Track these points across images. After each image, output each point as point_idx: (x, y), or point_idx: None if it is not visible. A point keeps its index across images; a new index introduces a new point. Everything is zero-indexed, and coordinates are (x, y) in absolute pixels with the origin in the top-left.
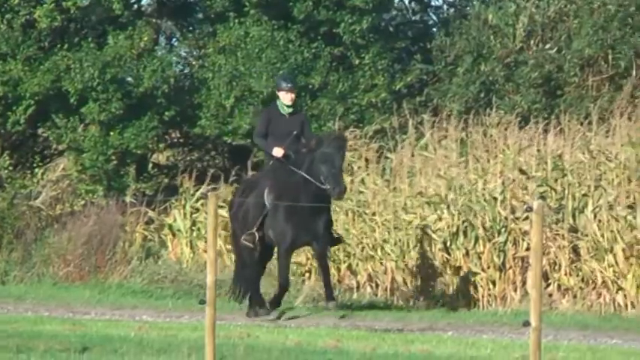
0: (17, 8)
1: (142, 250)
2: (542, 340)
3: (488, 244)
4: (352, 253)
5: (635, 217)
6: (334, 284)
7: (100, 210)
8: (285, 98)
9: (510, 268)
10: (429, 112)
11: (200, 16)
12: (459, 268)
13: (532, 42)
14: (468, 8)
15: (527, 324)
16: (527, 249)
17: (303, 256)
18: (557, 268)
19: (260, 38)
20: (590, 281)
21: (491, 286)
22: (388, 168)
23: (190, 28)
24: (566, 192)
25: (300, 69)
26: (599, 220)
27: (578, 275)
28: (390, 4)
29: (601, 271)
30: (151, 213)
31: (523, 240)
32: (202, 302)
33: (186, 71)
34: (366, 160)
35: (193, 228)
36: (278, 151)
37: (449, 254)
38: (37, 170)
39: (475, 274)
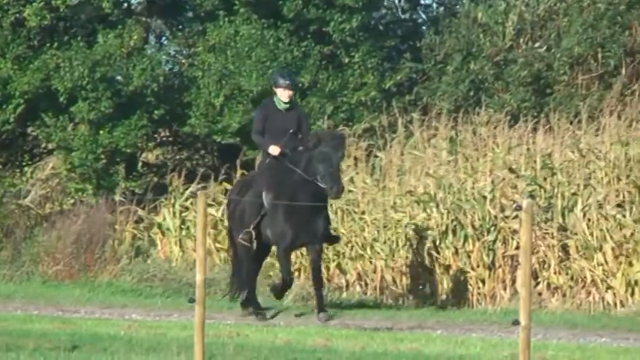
0: (6, 7)
1: (131, 248)
2: (531, 338)
3: (477, 242)
4: (341, 252)
5: (624, 216)
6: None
7: (89, 209)
8: (283, 95)
9: (500, 266)
10: (419, 111)
11: (190, 14)
12: (449, 266)
13: (522, 40)
14: (458, 7)
15: (516, 323)
16: (517, 248)
17: (293, 254)
18: (546, 266)
19: (250, 37)
20: (580, 280)
21: (480, 284)
22: (377, 167)
23: (180, 27)
24: (556, 191)
25: (290, 67)
26: (589, 219)
27: (567, 274)
28: (380, 3)
29: (590, 270)
30: (140, 212)
31: (512, 239)
32: (192, 301)
33: (175, 70)
34: (356, 158)
35: (183, 227)
36: (274, 149)
37: (438, 253)
38: (26, 169)
39: (464, 272)
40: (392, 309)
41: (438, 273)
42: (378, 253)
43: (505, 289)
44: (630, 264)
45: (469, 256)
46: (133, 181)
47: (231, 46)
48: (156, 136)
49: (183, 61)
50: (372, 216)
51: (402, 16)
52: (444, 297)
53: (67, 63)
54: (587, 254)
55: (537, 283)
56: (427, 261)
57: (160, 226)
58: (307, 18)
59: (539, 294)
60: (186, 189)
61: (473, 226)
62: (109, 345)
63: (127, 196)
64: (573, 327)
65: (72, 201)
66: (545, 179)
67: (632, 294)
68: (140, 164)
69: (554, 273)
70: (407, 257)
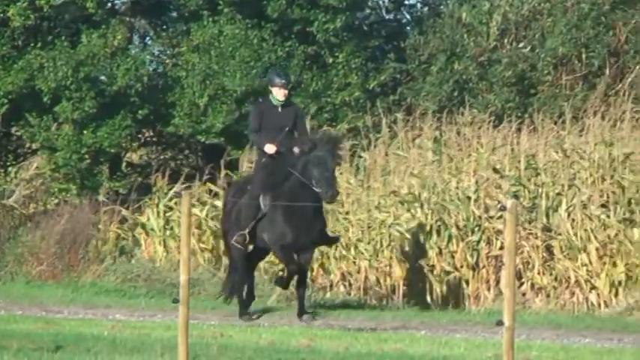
0: None
1: (115, 249)
2: (515, 339)
3: (461, 243)
4: (325, 252)
5: (608, 217)
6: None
7: (73, 209)
8: (279, 94)
9: (484, 267)
10: (403, 111)
11: (174, 14)
12: (433, 267)
13: (506, 40)
14: (442, 7)
15: (500, 323)
16: (501, 248)
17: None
18: (530, 267)
19: (234, 37)
20: (564, 280)
21: (464, 285)
22: (362, 167)
23: (164, 27)
24: (540, 191)
25: (274, 68)
26: (573, 220)
27: (551, 274)
28: (364, 3)
29: (574, 271)
30: (124, 212)
31: (497, 239)
32: (175, 301)
33: (159, 70)
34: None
35: (167, 227)
36: (270, 148)
37: (422, 253)
38: (10, 169)
39: (448, 273)
40: (376, 309)
41: (422, 273)
42: (362, 253)
43: (489, 289)
44: (614, 264)
45: (453, 257)
46: (116, 181)
47: (215, 46)
48: (140, 136)
49: (167, 61)
50: (356, 216)
51: (386, 17)
52: (427, 297)
53: (51, 63)
54: (571, 255)
55: (521, 284)
56: (411, 261)
57: (143, 226)
58: (291, 18)
59: (523, 294)
60: (170, 189)
61: (457, 227)
62: (92, 345)
63: (111, 196)
64: (557, 327)
65: (56, 201)
66: (529, 179)
67: (616, 294)
68: (124, 164)
69: (539, 273)
70: (390, 258)
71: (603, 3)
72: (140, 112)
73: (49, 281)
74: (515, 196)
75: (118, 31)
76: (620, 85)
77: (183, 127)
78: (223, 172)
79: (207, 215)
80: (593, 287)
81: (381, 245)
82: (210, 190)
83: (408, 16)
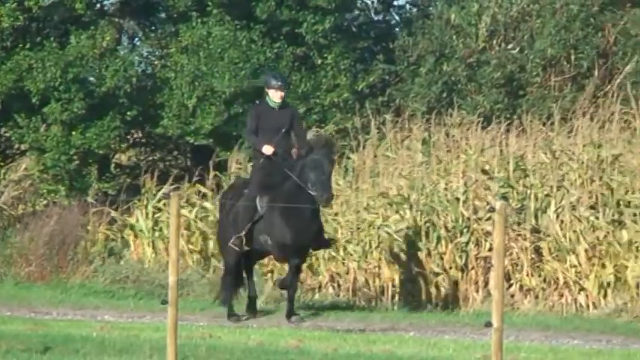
0: None
1: (104, 250)
2: (503, 340)
3: (450, 244)
4: (314, 253)
5: (597, 218)
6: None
7: (62, 210)
8: (275, 96)
9: (472, 268)
10: (392, 112)
11: (163, 15)
12: (422, 268)
13: (495, 42)
14: (431, 8)
15: (489, 324)
16: (490, 249)
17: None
18: (519, 268)
19: (222, 38)
20: (552, 282)
21: (453, 286)
22: (350, 168)
23: (153, 28)
24: (529, 192)
25: (263, 69)
26: (562, 221)
27: (540, 276)
28: (353, 4)
29: (563, 272)
30: (113, 213)
31: (485, 240)
32: (164, 302)
33: (148, 71)
34: None
35: (155, 228)
36: (268, 149)
37: (411, 255)
38: None
39: (437, 274)
40: (364, 310)
41: (411, 275)
42: (351, 254)
43: (478, 290)
44: (603, 266)
45: (442, 258)
46: (105, 182)
47: (204, 47)
48: (129, 137)
49: (156, 62)
50: (345, 217)
51: (375, 18)
52: (416, 299)
53: (40, 64)
54: (559, 256)
55: (510, 285)
56: (400, 263)
57: (132, 227)
58: (280, 19)
59: (512, 296)
60: (159, 190)
61: (446, 228)
62: (81, 346)
63: (100, 197)
64: (546, 329)
65: (44, 202)
66: (517, 181)
67: (605, 296)
68: (113, 165)
69: (527, 275)
70: (379, 259)
71: (592, 4)
72: (129, 113)
73: (37, 282)
74: (504, 198)
75: (106, 32)
76: (608, 87)
77: (172, 128)
78: (212, 173)
79: (196, 216)
80: (582, 289)
81: (370, 246)
82: (199, 192)
83: (397, 18)
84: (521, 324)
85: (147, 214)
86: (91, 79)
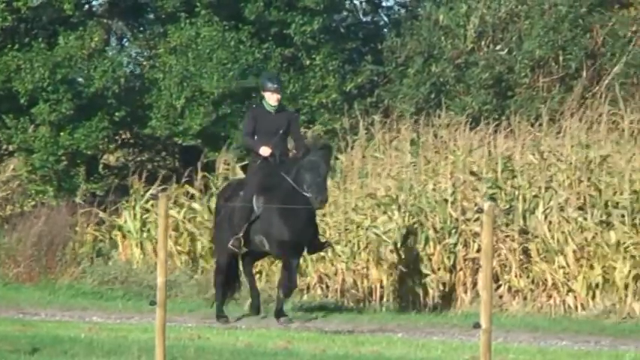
0: None
1: (92, 251)
2: (492, 341)
3: (438, 245)
4: (302, 255)
5: (585, 219)
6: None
7: (50, 211)
8: (271, 99)
9: (461, 269)
10: (380, 113)
11: (151, 16)
12: (410, 269)
13: (483, 43)
14: (419, 9)
15: (477, 326)
16: (478, 250)
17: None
18: (507, 269)
19: (211, 39)
20: (541, 283)
21: (441, 287)
22: (339, 169)
23: (141, 29)
24: (517, 193)
25: (251, 70)
26: (550, 222)
27: (528, 277)
28: (341, 5)
29: (551, 273)
30: (101, 214)
31: (474, 241)
32: (153, 303)
33: (136, 72)
34: None
35: (144, 229)
36: (265, 150)
37: (399, 256)
38: None
39: (425, 275)
40: (353, 312)
41: (399, 275)
42: (339, 255)
43: (466, 291)
44: (591, 267)
45: (430, 259)
46: (94, 183)
47: (193, 48)
48: (117, 137)
49: (145, 62)
50: (333, 218)
51: (364, 19)
52: (404, 300)
53: (28, 65)
54: (548, 257)
55: (498, 286)
56: (388, 264)
57: (120, 228)
58: (268, 20)
59: (500, 297)
60: (147, 191)
61: (434, 229)
62: (69, 348)
63: (88, 198)
64: (534, 330)
65: (33, 203)
66: (506, 182)
67: (593, 297)
68: (101, 166)
69: (516, 276)
70: (368, 260)
71: (580, 5)
72: (117, 113)
73: (25, 283)
74: (492, 199)
75: (95, 32)
76: (597, 88)
77: (160, 129)
78: (200, 174)
79: (184, 217)
80: (570, 290)
81: (359, 247)
82: (188, 192)
83: (385, 19)
84: (509, 325)
85: (135, 214)
86: (80, 79)
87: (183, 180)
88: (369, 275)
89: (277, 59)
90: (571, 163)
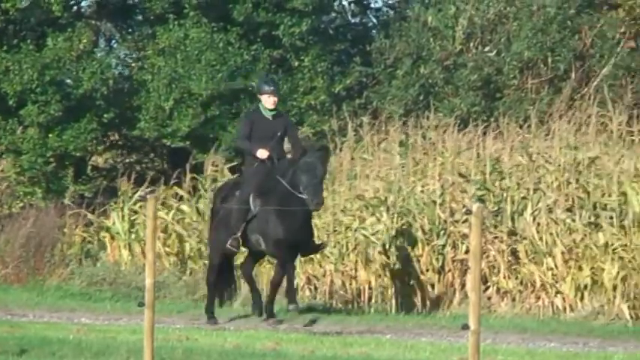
0: None
1: (80, 252)
2: (480, 343)
3: (427, 247)
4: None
5: (574, 221)
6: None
7: (38, 212)
8: (268, 102)
9: (449, 271)
10: (369, 115)
11: (139, 17)
12: (398, 271)
13: (471, 44)
14: (408, 10)
15: (466, 327)
16: (467, 252)
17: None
18: (496, 271)
19: (199, 40)
20: (529, 284)
21: (430, 289)
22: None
23: (130, 30)
24: (505, 195)
25: (240, 71)
26: (538, 224)
27: (517, 278)
28: (330, 7)
29: (540, 275)
30: (89, 215)
31: (462, 243)
32: (141, 305)
33: (125, 73)
34: None
35: (132, 230)
36: (263, 153)
37: (388, 257)
38: None
39: (414, 276)
40: (341, 313)
41: (388, 277)
42: (328, 257)
43: (455, 293)
44: (580, 268)
45: (418, 261)
46: (82, 184)
47: (181, 49)
48: (105, 139)
49: (133, 64)
50: (322, 220)
51: (352, 20)
52: (393, 301)
53: (17, 66)
54: (536, 259)
55: (487, 288)
56: (377, 265)
57: (109, 229)
58: (257, 21)
59: (489, 298)
60: (135, 192)
61: (422, 230)
62: (57, 349)
63: (77, 199)
64: (522, 331)
65: (21, 204)
66: (494, 183)
67: (582, 299)
68: (89, 168)
69: (504, 277)
70: (356, 261)
71: (569, 7)
72: (106, 115)
73: (14, 285)
74: (481, 200)
75: (83, 34)
76: (585, 89)
77: (148, 131)
78: (189, 175)
79: (172, 219)
80: (559, 291)
81: (347, 249)
82: (176, 194)
83: (374, 20)
84: (498, 326)
85: (123, 216)
86: (68, 81)
87: (172, 182)
88: (358, 277)
89: (266, 61)
90: (559, 165)
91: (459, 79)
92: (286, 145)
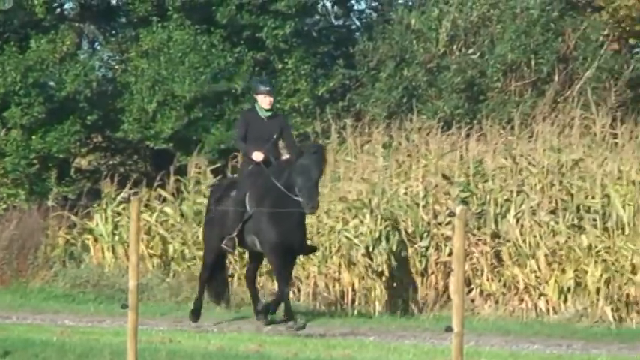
0: None
1: (64, 254)
2: (464, 345)
3: (410, 249)
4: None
5: (557, 223)
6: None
7: (22, 214)
8: (264, 102)
9: (433, 273)
10: (352, 117)
11: (123, 20)
12: (382, 273)
13: (455, 47)
14: (391, 13)
15: (449, 329)
16: (450, 254)
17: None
18: (479, 273)
19: (183, 42)
20: (512, 286)
21: (413, 291)
22: None
23: (113, 32)
24: (488, 197)
25: (223, 73)
26: (522, 226)
27: (500, 280)
28: (313, 9)
29: (523, 277)
30: (73, 217)
31: (445, 245)
32: (124, 306)
33: (108, 75)
34: None
35: (115, 232)
36: (258, 156)
37: (371, 259)
38: None
39: (397, 278)
40: (324, 315)
41: (371, 279)
42: (311, 259)
43: (438, 295)
44: (563, 271)
45: (402, 263)
46: (65, 186)
47: (165, 51)
48: (89, 141)
49: (117, 66)
50: (306, 222)
51: (335, 23)
52: (377, 303)
53: (0, 68)
54: (520, 261)
55: (470, 290)
56: (360, 267)
57: (92, 231)
58: (240, 24)
59: (472, 300)
60: (119, 195)
61: (406, 232)
62: (41, 351)
63: (60, 201)
64: (506, 334)
65: (4, 206)
66: (477, 186)
67: (565, 301)
68: (73, 170)
69: (487, 279)
70: (340, 264)
71: (552, 9)
72: (89, 117)
73: None
74: (464, 203)
75: (67, 36)
76: (568, 92)
77: (132, 133)
78: (173, 177)
79: (156, 221)
80: (542, 294)
81: (330, 251)
82: (160, 196)
83: (358, 23)
84: (481, 329)
85: (106, 218)
86: (52, 83)
87: (156, 184)
88: (341, 279)
89: (249, 63)
90: (543, 168)
91: (443, 81)
92: (282, 144)
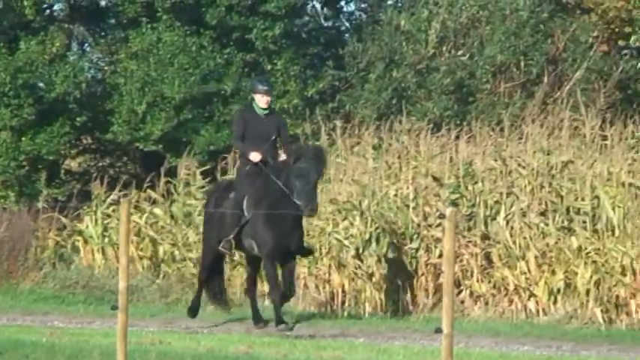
0: None
1: (54, 256)
2: (454, 346)
3: (400, 250)
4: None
5: (547, 224)
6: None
7: (11, 216)
8: (261, 101)
9: (422, 274)
10: (341, 119)
11: (112, 21)
12: (372, 274)
13: (444, 48)
14: (381, 14)
15: (439, 331)
16: (440, 256)
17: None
18: (469, 275)
19: (172, 44)
20: (502, 288)
21: (403, 292)
22: None
23: (103, 34)
24: (478, 199)
25: (213, 75)
26: (512, 227)
27: (490, 282)
28: (303, 10)
29: (513, 278)
30: (63, 219)
31: (435, 247)
32: (114, 308)
33: (98, 77)
34: None
35: (105, 234)
36: (256, 156)
37: (361, 261)
38: None
39: (387, 280)
40: (314, 317)
41: (361, 281)
42: (301, 260)
43: (428, 297)
44: (553, 272)
45: (392, 265)
46: (55, 188)
47: (154, 53)
48: (78, 143)
49: (106, 68)
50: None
51: (325, 24)
52: (367, 304)
53: None
54: (509, 262)
55: (460, 292)
56: (350, 269)
57: (82, 233)
58: (230, 25)
59: (462, 302)
60: (109, 196)
61: (396, 234)
62: (30, 352)
63: (50, 203)
64: (496, 335)
65: None
66: (467, 187)
67: (555, 302)
68: (63, 171)
69: (477, 281)
70: (329, 265)
71: (542, 11)
72: (79, 119)
73: None
74: (454, 204)
75: (56, 37)
76: (558, 93)
77: (121, 135)
78: (163, 179)
79: (146, 222)
80: (532, 295)
81: (320, 253)
82: (150, 197)
83: (347, 24)
84: (471, 330)
85: (96, 220)
86: (41, 84)
87: (145, 185)
88: (331, 280)
89: (239, 64)
90: (533, 169)
91: (432, 83)
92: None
